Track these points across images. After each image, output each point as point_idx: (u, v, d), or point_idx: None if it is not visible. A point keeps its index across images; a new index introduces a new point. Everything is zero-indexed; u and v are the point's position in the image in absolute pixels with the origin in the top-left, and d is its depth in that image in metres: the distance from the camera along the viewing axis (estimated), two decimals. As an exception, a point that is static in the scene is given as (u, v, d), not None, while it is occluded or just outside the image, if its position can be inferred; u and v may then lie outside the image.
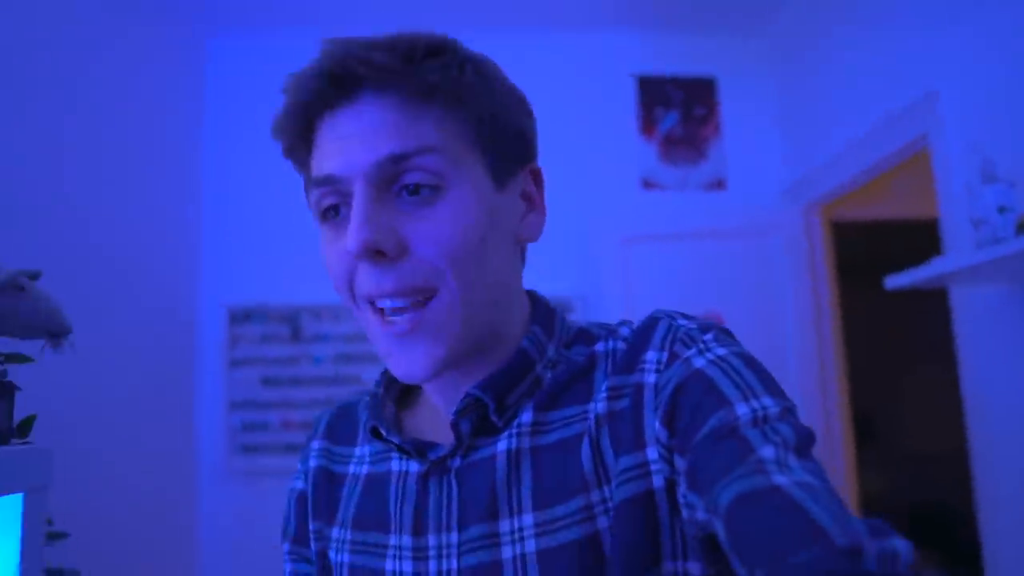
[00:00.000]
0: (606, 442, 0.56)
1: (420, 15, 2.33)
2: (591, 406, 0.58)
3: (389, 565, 0.60)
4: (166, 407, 2.58)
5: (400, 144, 0.53)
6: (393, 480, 0.63)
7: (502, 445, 0.58)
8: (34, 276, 0.89)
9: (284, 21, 2.78)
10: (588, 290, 2.85)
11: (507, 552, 0.55)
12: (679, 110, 3.04)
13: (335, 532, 0.66)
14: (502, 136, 0.59)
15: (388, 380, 0.68)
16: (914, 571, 0.39)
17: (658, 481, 0.54)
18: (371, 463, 0.66)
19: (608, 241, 2.85)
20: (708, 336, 0.57)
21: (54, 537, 0.94)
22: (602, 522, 0.54)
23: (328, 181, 0.55)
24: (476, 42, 0.62)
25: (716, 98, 3.06)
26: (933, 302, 2.33)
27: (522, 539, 0.55)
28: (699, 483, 0.49)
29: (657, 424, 0.54)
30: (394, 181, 0.55)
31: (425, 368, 0.56)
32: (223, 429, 2.78)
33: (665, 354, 0.57)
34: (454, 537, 0.57)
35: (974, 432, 1.97)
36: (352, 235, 0.52)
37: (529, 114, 0.63)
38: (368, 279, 0.55)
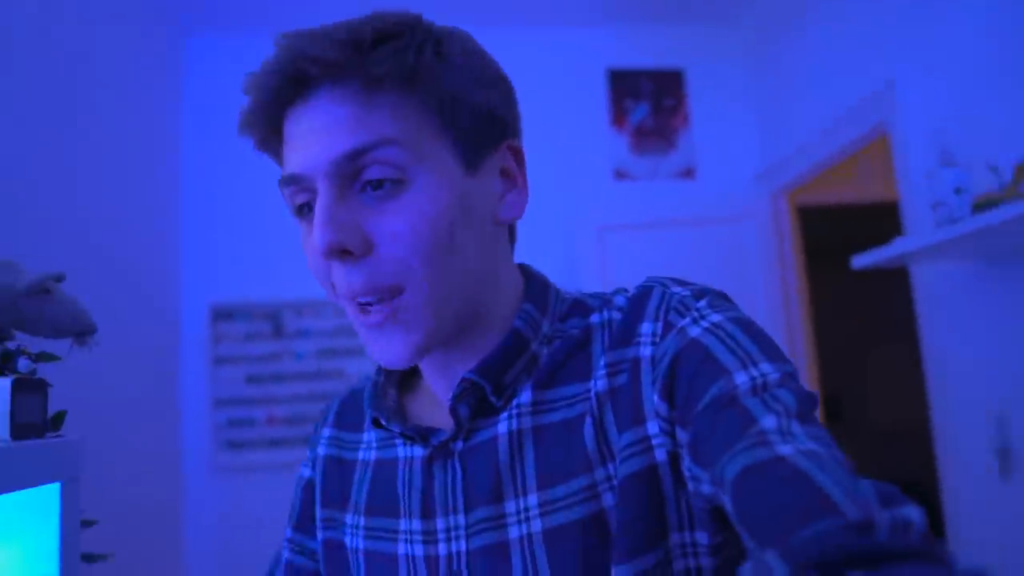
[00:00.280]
0: (609, 419, 0.56)
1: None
2: (592, 384, 0.58)
3: (402, 549, 0.61)
4: (152, 405, 2.60)
5: (355, 139, 0.52)
6: (400, 466, 0.63)
7: (503, 427, 0.58)
8: (59, 279, 0.93)
9: (263, 20, 2.81)
10: (565, 280, 2.91)
11: (514, 532, 0.55)
12: (649, 102, 3.13)
13: (349, 518, 0.66)
14: (468, 117, 0.56)
15: None
16: (928, 541, 0.37)
17: (660, 455, 0.53)
18: (378, 449, 0.66)
19: (583, 231, 2.93)
20: (702, 303, 0.56)
21: (86, 524, 0.98)
22: (607, 500, 0.54)
23: (294, 180, 0.55)
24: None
25: (685, 89, 3.15)
26: (895, 282, 2.44)
27: (528, 519, 0.55)
28: (702, 456, 0.49)
29: (656, 398, 0.54)
30: (356, 177, 0.53)
31: (402, 356, 0.56)
32: (208, 426, 2.81)
33: (660, 324, 0.56)
34: (461, 519, 0.58)
35: (935, 407, 2.07)
36: (316, 237, 0.52)
37: (503, 90, 0.60)
38: (339, 277, 0.55)
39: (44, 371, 1.04)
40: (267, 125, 0.57)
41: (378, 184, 0.53)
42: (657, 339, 0.56)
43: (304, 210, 0.56)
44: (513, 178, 0.61)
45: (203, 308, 2.86)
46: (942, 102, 1.98)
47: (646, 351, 0.56)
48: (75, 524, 0.89)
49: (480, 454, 0.58)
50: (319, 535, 0.68)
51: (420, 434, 0.61)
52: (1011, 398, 1.80)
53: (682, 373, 0.53)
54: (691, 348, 0.53)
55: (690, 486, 0.52)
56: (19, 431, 0.85)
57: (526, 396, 0.59)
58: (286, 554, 0.71)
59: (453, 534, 0.58)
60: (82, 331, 0.94)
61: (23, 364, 0.97)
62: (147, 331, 2.58)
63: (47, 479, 0.87)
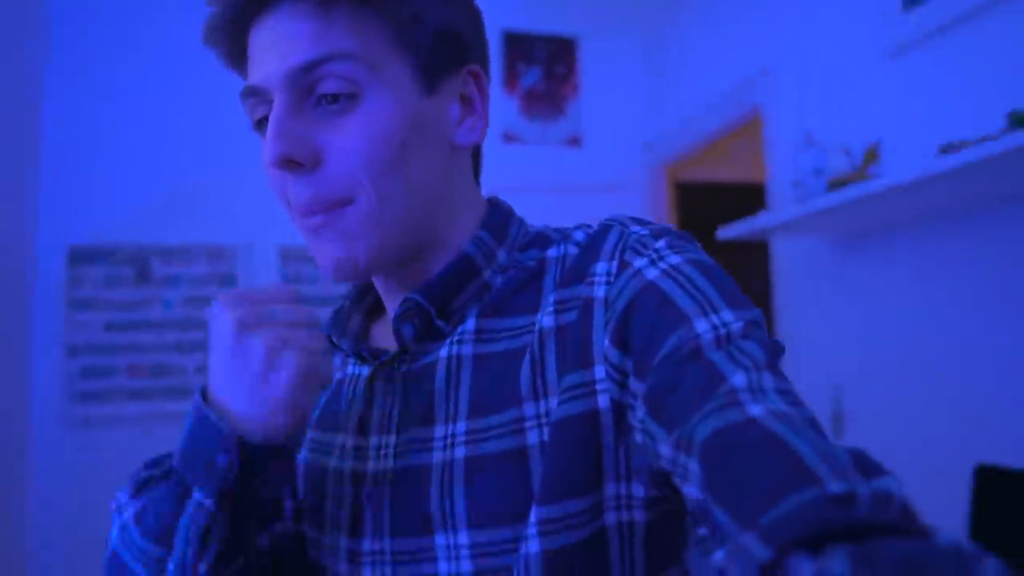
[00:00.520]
0: (550, 356, 0.54)
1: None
2: (538, 318, 0.57)
3: (332, 462, 0.61)
4: (-4, 350, 2.41)
5: (310, 52, 0.52)
6: (346, 383, 0.65)
7: (444, 351, 0.58)
8: None
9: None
10: (450, 238, 2.92)
11: (437, 457, 0.55)
12: (542, 67, 3.15)
13: (309, 433, 0.67)
14: (428, 36, 0.56)
15: (358, 292, 0.69)
16: (909, 514, 0.36)
17: (604, 401, 0.52)
18: (340, 369, 0.68)
19: (470, 191, 2.93)
20: (661, 243, 0.54)
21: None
22: (532, 436, 0.53)
23: (253, 92, 0.55)
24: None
25: (577, 57, 3.19)
26: (757, 255, 2.60)
27: (452, 445, 0.55)
28: (665, 413, 0.46)
29: (607, 341, 0.52)
30: (311, 90, 0.54)
31: (338, 265, 0.56)
32: (59, 375, 2.62)
33: (615, 263, 0.54)
34: (392, 439, 0.58)
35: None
36: (267, 146, 0.53)
37: (468, 13, 0.60)
38: (292, 191, 0.56)
39: None
40: (231, 39, 0.57)
41: (333, 98, 0.53)
42: (612, 278, 0.54)
43: (263, 124, 0.56)
44: (473, 103, 0.61)
45: (61, 248, 2.65)
46: (811, 89, 2.11)
47: (599, 291, 0.54)
48: None
49: (421, 377, 0.59)
50: None
51: (372, 354, 0.61)
52: (845, 370, 1.98)
53: (638, 319, 0.50)
54: (648, 292, 0.51)
55: (639, 438, 0.50)
56: None
57: (471, 323, 0.59)
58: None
59: (383, 452, 0.58)
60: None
61: None
62: (-8, 269, 2.38)
63: None
